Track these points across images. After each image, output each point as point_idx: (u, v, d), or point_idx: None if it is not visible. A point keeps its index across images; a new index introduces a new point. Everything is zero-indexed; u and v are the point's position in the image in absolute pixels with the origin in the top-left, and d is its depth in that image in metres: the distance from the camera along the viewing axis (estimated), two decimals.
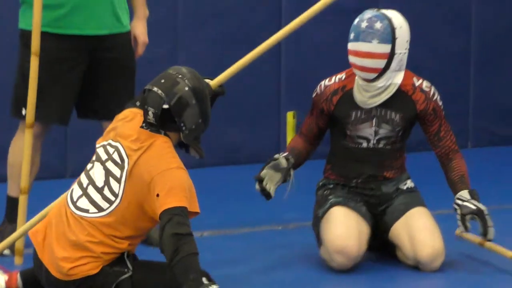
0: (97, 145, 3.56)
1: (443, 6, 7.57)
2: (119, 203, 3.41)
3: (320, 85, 4.22)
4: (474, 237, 4.25)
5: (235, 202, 5.46)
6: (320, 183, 4.31)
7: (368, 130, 4.13)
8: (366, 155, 4.15)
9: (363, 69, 4.00)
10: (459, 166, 4.12)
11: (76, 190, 3.50)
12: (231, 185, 5.91)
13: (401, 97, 4.09)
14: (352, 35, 4.01)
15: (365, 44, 3.96)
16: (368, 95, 4.07)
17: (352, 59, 4.02)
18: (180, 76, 3.48)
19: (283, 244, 4.50)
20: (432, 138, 4.17)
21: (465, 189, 4.07)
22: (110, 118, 3.69)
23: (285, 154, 4.18)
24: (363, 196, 4.22)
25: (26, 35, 4.10)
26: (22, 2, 4.19)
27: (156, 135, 3.46)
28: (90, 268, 3.41)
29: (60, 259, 3.39)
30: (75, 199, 3.47)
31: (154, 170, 3.37)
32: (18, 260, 4.15)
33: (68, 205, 3.47)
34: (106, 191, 3.43)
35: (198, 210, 3.43)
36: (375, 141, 4.13)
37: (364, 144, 4.15)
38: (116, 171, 3.44)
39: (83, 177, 3.51)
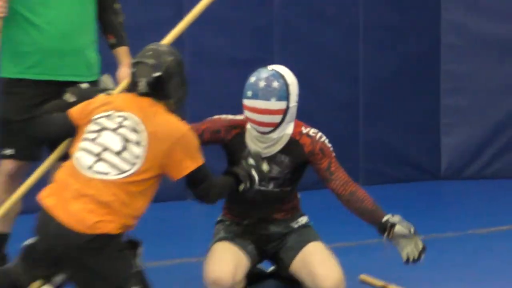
0: (93, 118, 3.70)
1: (332, 58, 7.86)
2: (141, 165, 3.59)
3: (224, 116, 4.37)
4: (377, 281, 4.41)
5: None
6: (218, 219, 4.46)
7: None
8: (255, 197, 4.19)
9: (261, 124, 4.13)
10: (366, 195, 4.19)
11: (85, 157, 3.61)
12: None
13: (290, 143, 4.23)
14: (249, 93, 4.12)
15: (263, 102, 4.09)
16: (263, 146, 4.20)
17: (249, 114, 4.13)
18: (162, 49, 3.81)
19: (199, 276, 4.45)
20: (324, 174, 4.23)
21: (387, 214, 4.16)
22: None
23: None
24: (254, 235, 4.34)
25: (6, 84, 4.34)
26: (3, 57, 4.33)
27: (155, 102, 3.73)
28: (114, 227, 3.52)
29: (87, 212, 3.48)
30: (89, 165, 3.59)
31: (174, 133, 3.66)
32: None
33: (80, 172, 3.58)
34: (126, 155, 3.60)
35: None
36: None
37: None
38: (133, 136, 3.63)
39: (90, 146, 3.64)
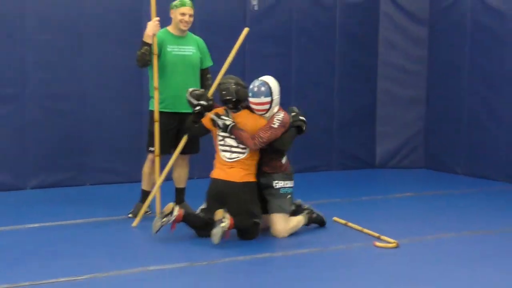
0: (218, 132, 7.09)
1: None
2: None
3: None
4: (343, 221, 7.61)
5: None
6: None
7: None
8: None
9: (258, 110, 7.05)
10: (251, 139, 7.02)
11: (225, 152, 7.03)
12: None
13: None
14: (250, 94, 7.02)
15: (258, 98, 7.00)
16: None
17: (252, 105, 7.06)
18: (228, 84, 7.11)
19: None
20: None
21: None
22: (186, 152, 7.72)
23: None
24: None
25: (152, 113, 7.66)
26: (151, 97, 7.70)
27: (239, 112, 7.13)
28: (250, 178, 7.01)
29: (236, 172, 6.96)
30: (228, 156, 7.02)
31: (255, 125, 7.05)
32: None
33: (225, 160, 7.02)
34: (241, 146, 6.99)
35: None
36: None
37: None
38: None
39: (223, 147, 7.06)
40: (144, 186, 7.85)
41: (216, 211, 6.72)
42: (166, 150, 7.72)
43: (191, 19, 7.70)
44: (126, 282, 5.63)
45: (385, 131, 11.55)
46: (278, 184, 7.12)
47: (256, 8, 10.42)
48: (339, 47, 11.18)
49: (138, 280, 5.71)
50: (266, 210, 7.13)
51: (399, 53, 11.45)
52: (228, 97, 7.04)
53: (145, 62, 7.52)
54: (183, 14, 7.62)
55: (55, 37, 9.30)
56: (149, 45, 7.49)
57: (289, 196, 7.15)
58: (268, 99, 7.02)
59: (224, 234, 6.63)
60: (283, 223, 7.05)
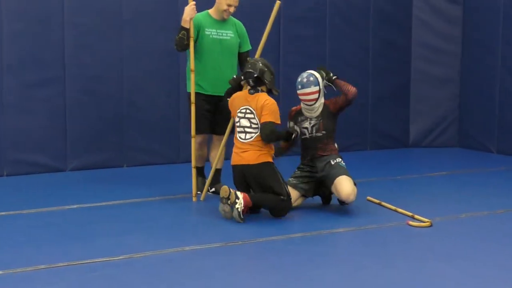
0: (236, 114, 7.22)
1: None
2: (259, 127, 7.07)
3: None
4: (376, 200, 7.71)
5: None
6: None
7: (307, 124, 7.48)
8: (310, 142, 7.48)
9: (309, 100, 7.42)
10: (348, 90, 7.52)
11: (240, 133, 7.15)
12: None
13: (324, 107, 7.50)
14: (299, 86, 7.40)
15: (308, 88, 7.38)
16: (312, 111, 7.49)
17: (302, 97, 7.42)
18: (256, 61, 7.20)
19: None
20: (339, 100, 7.49)
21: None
22: (222, 133, 7.80)
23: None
24: (312, 167, 7.47)
25: (188, 94, 7.84)
26: (187, 78, 7.85)
27: (256, 93, 7.16)
28: (266, 158, 7.08)
29: (251, 155, 7.05)
30: (243, 137, 7.13)
31: (264, 102, 7.06)
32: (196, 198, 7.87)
33: (241, 141, 7.13)
34: (253, 126, 7.09)
35: (279, 122, 7.11)
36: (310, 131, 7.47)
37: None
38: (251, 116, 7.12)
39: (239, 128, 7.17)
40: (198, 163, 7.98)
41: (222, 188, 6.98)
42: (203, 131, 7.89)
43: (235, 10, 7.82)
44: (161, 262, 5.74)
45: (419, 111, 11.61)
46: (336, 160, 7.45)
47: None
48: (373, 27, 11.25)
49: (173, 260, 5.81)
50: (321, 190, 7.53)
51: (432, 32, 11.49)
52: (250, 70, 7.15)
53: (184, 46, 7.65)
54: (229, 5, 7.74)
55: (93, 20, 9.46)
56: (187, 29, 7.60)
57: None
58: (317, 88, 7.38)
59: (242, 212, 6.86)
60: (350, 186, 7.23)
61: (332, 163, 7.41)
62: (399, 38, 11.43)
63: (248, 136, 7.12)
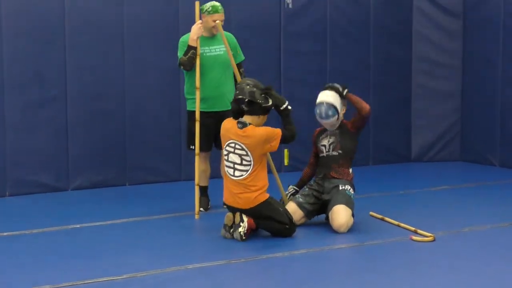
0: (224, 146, 6.98)
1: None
2: (253, 163, 6.83)
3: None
4: (379, 215, 7.70)
5: None
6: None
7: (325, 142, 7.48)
8: (325, 160, 7.44)
9: (330, 127, 7.46)
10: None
11: (229, 168, 6.87)
12: None
13: (342, 126, 7.51)
14: (318, 117, 7.41)
15: (328, 120, 7.39)
16: (332, 130, 7.50)
17: (325, 125, 7.47)
18: (242, 84, 6.91)
19: None
20: (354, 120, 7.43)
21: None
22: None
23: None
24: (320, 186, 7.40)
25: (190, 113, 7.95)
26: (188, 98, 7.95)
27: (245, 128, 6.82)
28: (262, 197, 6.85)
29: (251, 197, 6.81)
30: (232, 173, 6.87)
31: (259, 138, 6.79)
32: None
33: (231, 178, 6.86)
34: (244, 163, 6.82)
35: (276, 131, 6.89)
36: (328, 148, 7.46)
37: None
38: (243, 152, 6.84)
39: (227, 163, 6.89)
40: (202, 182, 8.03)
41: (226, 215, 6.93)
42: (207, 148, 7.96)
43: (222, 23, 7.88)
44: (164, 281, 5.72)
45: (421, 125, 11.58)
46: (344, 187, 7.37)
47: (290, 6, 10.52)
48: (374, 42, 11.23)
49: (177, 278, 5.80)
50: (321, 211, 7.47)
51: (433, 46, 11.46)
52: (240, 97, 6.87)
53: (193, 65, 7.76)
54: (214, 21, 7.83)
55: (95, 39, 9.47)
56: (195, 48, 7.71)
57: (353, 199, 7.34)
58: (336, 116, 7.41)
59: (245, 235, 6.82)
60: (345, 217, 7.14)
61: (340, 188, 7.33)
62: (399, 52, 11.42)
63: (237, 173, 6.87)
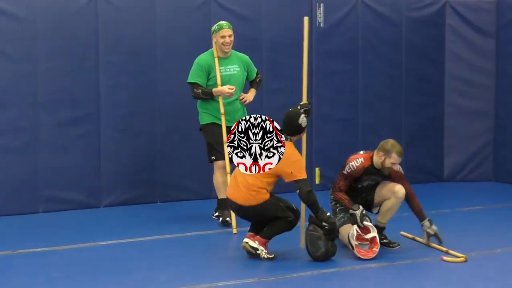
0: None
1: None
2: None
3: (352, 165, 7.32)
4: (410, 235, 7.68)
5: None
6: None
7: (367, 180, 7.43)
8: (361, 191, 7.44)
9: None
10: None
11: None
12: None
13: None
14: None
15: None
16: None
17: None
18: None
19: None
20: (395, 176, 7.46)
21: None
22: None
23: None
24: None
25: (203, 126, 8.46)
26: (200, 112, 8.37)
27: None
28: (262, 198, 6.80)
29: (255, 192, 6.79)
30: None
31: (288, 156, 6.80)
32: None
33: (242, 171, 6.84)
34: None
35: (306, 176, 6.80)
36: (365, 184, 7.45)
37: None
38: None
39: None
40: (221, 195, 8.16)
41: (241, 245, 6.91)
42: (223, 156, 8.16)
43: (232, 39, 8.28)
44: None
45: (453, 144, 11.52)
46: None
47: (322, 25, 10.54)
48: (406, 61, 11.20)
49: None
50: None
51: (466, 66, 11.41)
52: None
53: (199, 99, 8.40)
54: (223, 37, 8.23)
55: (127, 58, 9.57)
56: (212, 95, 8.24)
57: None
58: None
59: (267, 253, 6.83)
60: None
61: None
62: (432, 71, 11.38)
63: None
